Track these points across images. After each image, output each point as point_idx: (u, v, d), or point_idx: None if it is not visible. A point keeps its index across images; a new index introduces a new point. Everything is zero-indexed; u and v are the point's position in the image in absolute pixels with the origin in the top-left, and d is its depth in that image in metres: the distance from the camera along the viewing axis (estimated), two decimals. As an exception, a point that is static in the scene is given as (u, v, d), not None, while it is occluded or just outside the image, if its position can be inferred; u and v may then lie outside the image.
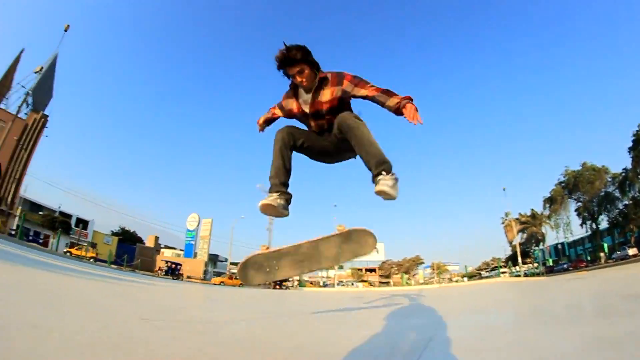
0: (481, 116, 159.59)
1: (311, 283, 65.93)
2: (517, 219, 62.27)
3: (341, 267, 74.80)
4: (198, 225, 59.19)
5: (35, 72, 27.77)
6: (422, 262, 68.32)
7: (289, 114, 3.06)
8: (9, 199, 45.12)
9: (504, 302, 6.37)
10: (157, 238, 68.48)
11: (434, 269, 64.87)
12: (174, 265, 42.52)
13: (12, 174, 47.07)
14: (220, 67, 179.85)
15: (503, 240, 66.09)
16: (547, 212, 58.03)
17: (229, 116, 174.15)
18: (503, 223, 65.19)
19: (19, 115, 50.70)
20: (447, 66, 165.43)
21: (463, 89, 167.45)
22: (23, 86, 50.64)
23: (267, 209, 2.64)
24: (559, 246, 63.33)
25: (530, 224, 61.03)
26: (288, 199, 2.76)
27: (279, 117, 3.21)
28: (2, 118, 46.27)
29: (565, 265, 49.29)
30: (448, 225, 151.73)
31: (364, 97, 2.73)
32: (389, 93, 2.64)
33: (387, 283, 63.67)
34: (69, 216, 49.12)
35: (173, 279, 34.64)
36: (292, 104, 2.97)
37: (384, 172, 2.40)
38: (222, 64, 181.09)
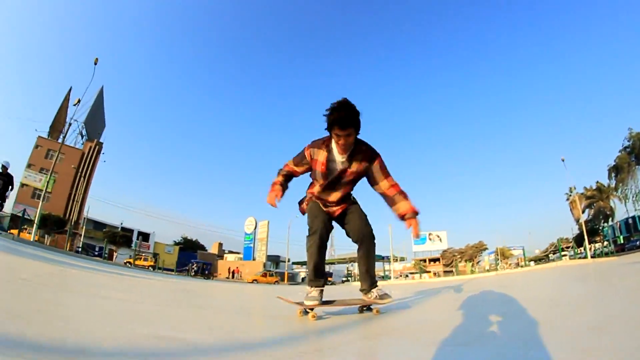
0: (532, 83, 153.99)
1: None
2: (582, 193, 56.62)
3: (403, 259, 73.02)
4: (255, 228, 59.61)
5: (75, 105, 29.09)
6: (486, 248, 64.89)
7: (312, 166, 3.13)
8: (74, 220, 47.79)
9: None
10: (220, 244, 70.63)
11: (497, 255, 61.90)
12: (204, 265, 43.80)
13: (75, 198, 49.91)
14: (260, 70, 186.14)
15: (570, 218, 61.65)
16: (613, 183, 51.81)
17: (276, 118, 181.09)
18: (568, 199, 60.43)
19: (75, 146, 54.83)
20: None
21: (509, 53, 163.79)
22: (76, 120, 55.95)
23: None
24: (630, 220, 57.40)
25: (596, 198, 55.75)
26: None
27: (295, 175, 3.33)
28: (61, 151, 49.39)
29: (638, 242, 44.63)
30: (511, 208, 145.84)
31: (380, 190, 3.13)
32: (404, 196, 3.04)
33: (451, 272, 61.69)
34: (131, 231, 51.35)
35: (204, 278, 35.25)
36: (322, 157, 3.03)
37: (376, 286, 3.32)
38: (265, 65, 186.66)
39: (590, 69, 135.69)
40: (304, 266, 72.02)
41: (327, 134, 2.92)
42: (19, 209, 45.53)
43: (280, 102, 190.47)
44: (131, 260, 37.79)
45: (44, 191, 31.66)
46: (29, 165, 50.47)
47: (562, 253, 55.09)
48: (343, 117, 2.66)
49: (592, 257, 33.18)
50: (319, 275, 3.24)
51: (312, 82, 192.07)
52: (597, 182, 57.02)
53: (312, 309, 3.15)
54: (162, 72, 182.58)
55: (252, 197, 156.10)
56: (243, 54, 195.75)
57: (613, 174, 50.88)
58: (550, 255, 67.96)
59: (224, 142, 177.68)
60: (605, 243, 52.30)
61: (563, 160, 34.66)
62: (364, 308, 3.53)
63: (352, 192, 3.37)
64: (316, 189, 3.24)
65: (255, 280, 40.24)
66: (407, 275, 60.43)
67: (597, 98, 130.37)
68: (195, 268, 42.16)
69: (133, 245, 48.54)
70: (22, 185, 49.20)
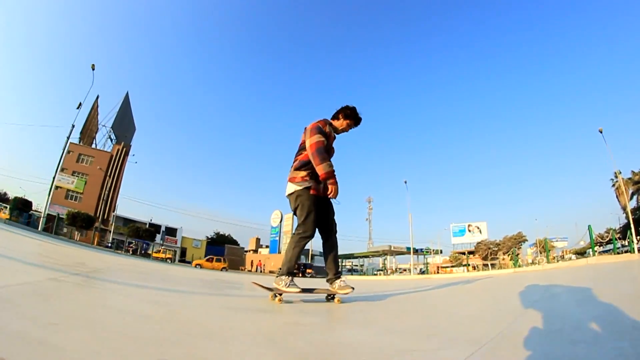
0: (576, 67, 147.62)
1: (395, 270, 61.07)
2: (629, 178, 51.30)
3: (440, 252, 69.19)
4: (281, 221, 57.81)
5: (77, 108, 29.30)
6: (525, 240, 60.57)
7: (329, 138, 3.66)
8: (103, 218, 48.22)
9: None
10: (258, 239, 69.57)
11: (538, 247, 57.68)
12: (143, 245, 45.75)
13: (104, 197, 50.48)
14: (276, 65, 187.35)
15: (617, 207, 56.16)
16: None
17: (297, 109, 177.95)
18: (613, 185, 53.99)
19: (104, 149, 56.45)
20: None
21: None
22: (104, 125, 59.24)
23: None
24: None
25: None
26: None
27: None
28: (91, 154, 54.28)
29: None
30: (557, 198, 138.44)
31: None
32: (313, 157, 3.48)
33: (493, 265, 58.27)
34: (159, 226, 50.49)
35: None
36: (332, 136, 3.72)
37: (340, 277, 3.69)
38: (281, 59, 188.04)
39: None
40: (341, 259, 70.05)
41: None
42: (53, 209, 46.71)
43: (303, 95, 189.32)
44: (151, 253, 38.33)
45: (50, 189, 31.26)
46: (62, 169, 51.46)
47: (598, 247, 49.98)
48: (360, 120, 3.84)
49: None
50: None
51: (336, 75, 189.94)
52: None
53: (280, 294, 3.39)
54: (188, 69, 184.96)
55: (279, 190, 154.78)
56: (271, 44, 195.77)
57: None
58: (596, 248, 62.06)
59: (256, 136, 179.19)
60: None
61: (601, 132, 30.96)
62: (329, 297, 3.76)
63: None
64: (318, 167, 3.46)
65: (199, 265, 37.59)
66: (402, 270, 57.39)
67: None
68: (133, 247, 43.67)
69: (157, 239, 48.16)
70: (56, 187, 50.16)
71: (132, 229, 45.93)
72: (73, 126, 30.18)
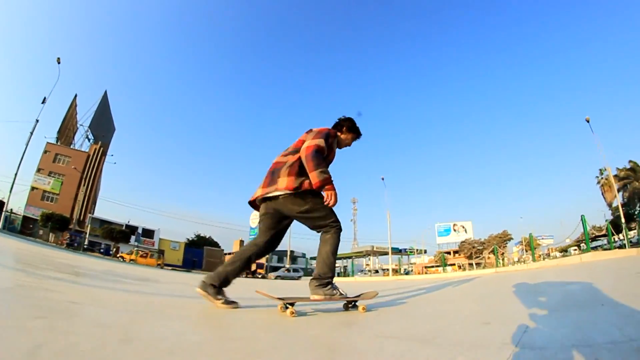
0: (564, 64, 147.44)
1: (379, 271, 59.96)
2: (615, 175, 49.12)
3: (425, 252, 68.11)
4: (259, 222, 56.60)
5: (42, 103, 28.15)
6: (511, 238, 59.39)
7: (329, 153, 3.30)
8: (79, 219, 46.96)
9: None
10: (242, 242, 67.72)
11: (523, 245, 56.67)
12: (77, 239, 41.69)
13: (80, 198, 49.18)
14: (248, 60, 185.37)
15: (602, 203, 55.59)
16: None
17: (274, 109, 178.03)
18: (599, 182, 53.82)
19: (81, 149, 55.13)
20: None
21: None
22: (82, 125, 58.03)
23: None
24: None
25: (631, 178, 49.64)
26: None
27: None
28: (68, 154, 52.92)
29: None
30: (542, 196, 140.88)
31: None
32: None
33: (479, 265, 57.05)
34: (135, 228, 48.94)
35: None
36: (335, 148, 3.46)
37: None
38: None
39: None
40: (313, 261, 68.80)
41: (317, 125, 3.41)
42: (29, 211, 45.18)
43: (284, 96, 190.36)
44: (123, 255, 36.18)
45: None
46: (38, 170, 50.45)
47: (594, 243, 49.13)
48: (361, 134, 3.63)
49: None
50: None
51: (315, 78, 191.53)
52: (630, 161, 50.67)
53: (292, 304, 2.72)
54: (167, 70, 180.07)
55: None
56: (248, 46, 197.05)
57: None
58: (581, 245, 61.41)
59: (235, 137, 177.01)
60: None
61: (588, 121, 29.81)
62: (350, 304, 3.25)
63: None
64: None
65: (133, 260, 34.91)
66: (376, 271, 56.10)
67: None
68: (67, 241, 39.89)
69: (132, 241, 46.48)
70: (33, 188, 48.95)
71: (106, 230, 44.30)
72: (37, 121, 28.75)
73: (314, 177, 2.89)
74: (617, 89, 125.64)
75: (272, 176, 3.04)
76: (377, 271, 58.29)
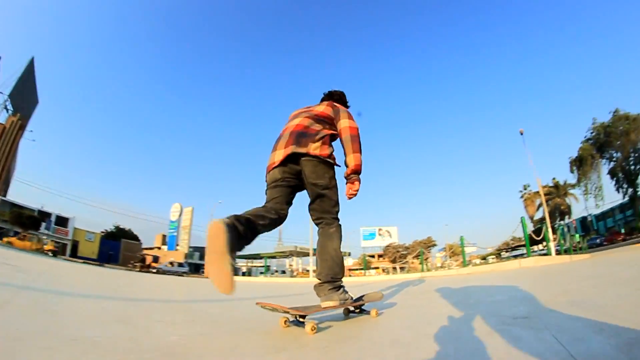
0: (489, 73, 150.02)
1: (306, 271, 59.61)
2: (536, 192, 52.98)
3: (349, 254, 68.07)
4: (180, 215, 53.99)
5: None
6: (435, 245, 60.79)
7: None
8: None
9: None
10: (164, 236, 64.60)
11: (447, 252, 58.13)
12: None
13: None
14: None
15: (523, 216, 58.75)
16: (574, 177, 45.82)
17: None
18: (522, 197, 57.03)
19: None
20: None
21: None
22: (1, 92, 50.41)
23: None
24: (588, 219, 54.20)
25: (553, 194, 52.60)
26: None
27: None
28: None
29: (598, 240, 40.33)
30: (465, 205, 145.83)
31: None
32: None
33: (402, 269, 57.65)
34: (48, 214, 45.04)
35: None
36: None
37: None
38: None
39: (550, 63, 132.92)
40: (245, 260, 67.49)
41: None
42: None
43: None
44: (12, 240, 31.94)
45: None
46: None
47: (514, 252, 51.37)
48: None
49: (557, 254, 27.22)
50: None
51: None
52: (554, 179, 53.89)
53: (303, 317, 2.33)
54: (104, 47, 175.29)
55: (181, 182, 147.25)
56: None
57: (575, 167, 44.48)
58: (502, 253, 64.39)
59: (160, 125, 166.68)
60: (562, 241, 47.91)
61: (522, 133, 30.19)
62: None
63: None
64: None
65: (10, 242, 31.45)
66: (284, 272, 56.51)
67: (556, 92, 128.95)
68: None
69: (42, 228, 41.62)
70: None
71: (14, 214, 39.97)
72: None
73: (358, 159, 2.64)
74: (550, 106, 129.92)
75: (300, 138, 2.60)
76: (284, 272, 58.50)
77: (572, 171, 45.32)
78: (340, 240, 2.67)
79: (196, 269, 50.10)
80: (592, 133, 42.39)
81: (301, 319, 2.30)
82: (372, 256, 60.74)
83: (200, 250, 59.92)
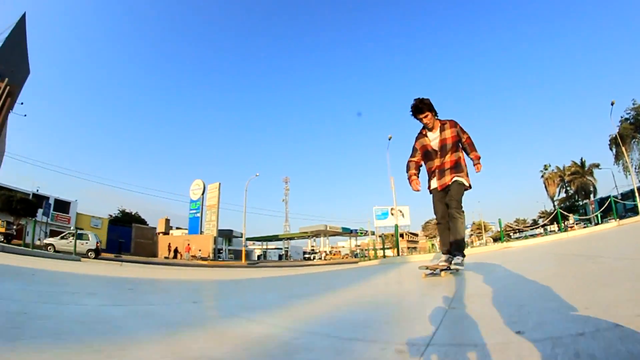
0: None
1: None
2: (554, 172, 51.89)
3: (372, 233, 61.94)
4: (203, 193, 44.53)
5: None
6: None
7: (422, 151, 4.09)
8: None
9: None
10: (167, 220, 55.19)
11: (474, 230, 53.35)
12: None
13: None
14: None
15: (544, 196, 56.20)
16: (613, 155, 43.79)
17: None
18: (543, 177, 53.33)
19: None
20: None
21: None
22: None
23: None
24: (605, 200, 50.53)
25: (578, 174, 48.79)
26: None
27: (419, 164, 4.17)
28: None
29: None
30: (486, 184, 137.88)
31: (463, 143, 3.97)
32: (473, 147, 3.96)
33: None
34: (45, 198, 35.31)
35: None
36: (425, 142, 4.05)
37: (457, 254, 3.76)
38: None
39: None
40: (261, 242, 60.15)
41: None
42: None
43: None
44: None
45: None
46: None
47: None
48: (414, 107, 3.90)
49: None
50: None
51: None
52: (572, 161, 50.96)
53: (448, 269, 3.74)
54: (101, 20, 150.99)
55: (199, 158, 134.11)
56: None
57: (614, 145, 42.20)
58: (511, 234, 60.21)
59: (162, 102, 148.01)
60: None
61: (613, 104, 29.66)
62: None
63: (459, 161, 3.92)
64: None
65: None
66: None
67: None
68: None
69: (40, 215, 31.07)
70: None
71: (4, 199, 30.15)
72: None
73: (478, 153, 3.97)
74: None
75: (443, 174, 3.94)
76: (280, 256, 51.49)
77: (611, 149, 43.60)
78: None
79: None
80: (629, 113, 41.77)
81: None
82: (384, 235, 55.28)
83: (227, 233, 50.01)
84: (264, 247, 59.47)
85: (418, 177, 4.04)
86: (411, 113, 3.92)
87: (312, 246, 59.68)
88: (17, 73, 43.60)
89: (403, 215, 57.04)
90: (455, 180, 3.75)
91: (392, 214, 57.31)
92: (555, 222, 44.42)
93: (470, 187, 3.83)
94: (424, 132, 4.02)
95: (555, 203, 51.57)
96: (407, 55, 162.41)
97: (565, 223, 35.93)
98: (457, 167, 3.81)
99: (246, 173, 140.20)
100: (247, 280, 6.30)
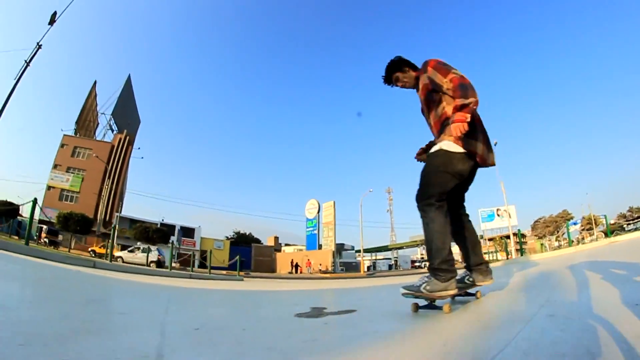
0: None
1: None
2: None
3: (481, 237, 59.25)
4: (319, 212, 46.02)
5: (49, 24, 16.88)
6: (572, 218, 51.33)
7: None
8: (104, 220, 37.75)
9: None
10: (277, 238, 58.72)
11: (584, 225, 49.12)
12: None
13: (105, 195, 39.62)
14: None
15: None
16: None
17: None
18: None
19: (104, 140, 45.57)
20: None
21: None
22: (103, 113, 47.00)
23: None
24: None
25: None
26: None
27: None
28: (89, 146, 42.46)
29: None
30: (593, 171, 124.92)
31: (445, 89, 2.25)
32: (457, 89, 2.11)
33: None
34: (172, 227, 38.73)
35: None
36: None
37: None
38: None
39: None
40: (370, 254, 58.95)
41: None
42: (47, 213, 34.92)
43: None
44: (95, 249, 27.96)
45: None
46: (55, 166, 40.61)
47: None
48: (384, 76, 2.61)
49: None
50: None
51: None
52: None
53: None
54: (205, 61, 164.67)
55: (309, 180, 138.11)
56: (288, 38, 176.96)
57: None
58: (625, 226, 53.56)
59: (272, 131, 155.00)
60: None
61: None
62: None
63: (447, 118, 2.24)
64: None
65: (93, 250, 27.95)
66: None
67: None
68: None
69: (177, 242, 35.56)
70: (49, 187, 39.18)
71: (139, 229, 33.85)
72: (39, 46, 17.41)
73: (460, 101, 2.15)
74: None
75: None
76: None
77: None
78: None
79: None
80: None
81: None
82: (507, 236, 51.92)
83: (338, 247, 50.20)
84: (373, 258, 59.04)
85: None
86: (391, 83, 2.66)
87: (422, 254, 58.08)
88: (132, 124, 48.73)
89: (510, 215, 54.15)
90: (431, 153, 2.28)
91: (498, 215, 54.82)
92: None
93: (467, 153, 2.18)
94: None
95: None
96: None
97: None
98: (443, 128, 2.28)
99: (343, 187, 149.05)
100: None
